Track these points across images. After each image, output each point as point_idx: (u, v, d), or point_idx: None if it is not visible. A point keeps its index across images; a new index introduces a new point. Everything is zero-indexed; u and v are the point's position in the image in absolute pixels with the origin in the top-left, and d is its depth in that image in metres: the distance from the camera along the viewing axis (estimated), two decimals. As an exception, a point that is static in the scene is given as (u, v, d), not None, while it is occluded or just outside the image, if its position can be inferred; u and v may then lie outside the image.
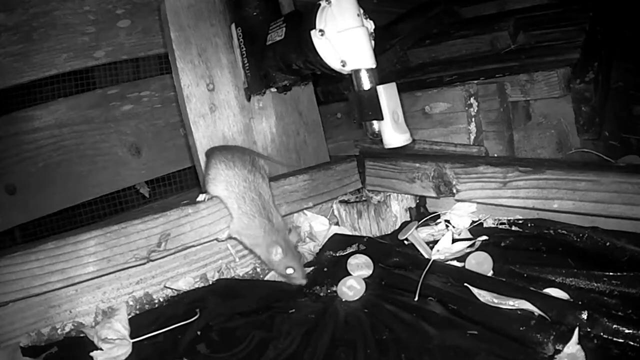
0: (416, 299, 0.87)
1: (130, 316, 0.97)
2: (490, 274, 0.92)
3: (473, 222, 1.09)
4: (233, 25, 1.21)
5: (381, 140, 0.94)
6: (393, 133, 0.92)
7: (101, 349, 0.86)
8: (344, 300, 0.95)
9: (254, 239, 1.03)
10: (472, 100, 1.34)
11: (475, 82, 1.36)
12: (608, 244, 0.87)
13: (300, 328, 0.86)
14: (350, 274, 1.00)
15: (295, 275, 0.98)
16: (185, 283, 1.08)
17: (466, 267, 0.94)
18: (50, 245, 0.97)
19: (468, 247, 1.00)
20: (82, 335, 0.95)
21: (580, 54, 1.38)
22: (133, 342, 0.88)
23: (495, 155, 1.34)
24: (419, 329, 0.79)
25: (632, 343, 0.68)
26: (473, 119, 1.34)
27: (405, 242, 1.08)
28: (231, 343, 0.85)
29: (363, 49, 0.91)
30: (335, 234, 1.17)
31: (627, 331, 0.69)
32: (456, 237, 1.05)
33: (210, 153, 1.15)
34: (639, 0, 1.57)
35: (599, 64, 1.33)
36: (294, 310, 0.94)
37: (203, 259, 1.12)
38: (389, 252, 1.05)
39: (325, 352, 0.78)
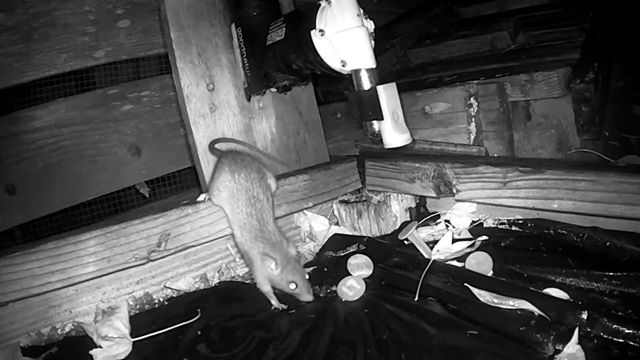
0: (416, 299, 0.87)
1: (130, 316, 0.97)
2: (490, 274, 0.92)
3: (473, 222, 1.09)
4: (233, 25, 1.21)
5: (381, 140, 0.94)
6: (393, 133, 0.92)
7: (100, 347, 0.86)
8: (344, 300, 0.95)
9: (252, 259, 1.00)
10: (472, 100, 1.34)
11: (475, 82, 1.36)
12: (608, 244, 0.87)
13: (300, 328, 0.86)
14: (350, 274, 1.00)
15: (298, 291, 0.94)
16: (185, 283, 1.08)
17: (466, 267, 0.94)
18: (50, 245, 0.97)
19: (468, 247, 0.99)
20: (82, 335, 0.95)
21: (580, 54, 1.38)
22: (133, 341, 0.88)
23: (495, 155, 1.34)
24: (419, 329, 0.79)
25: (632, 343, 0.68)
26: (473, 119, 1.34)
27: (405, 242, 1.08)
28: (231, 343, 0.85)
29: (363, 49, 0.91)
30: (335, 234, 1.17)
31: (627, 331, 0.69)
32: (456, 237, 1.05)
33: (220, 160, 1.11)
34: (639, 0, 1.56)
35: (599, 64, 1.33)
36: (294, 310, 0.94)
37: (203, 259, 1.12)
38: (389, 252, 1.05)
39: (325, 352, 0.78)
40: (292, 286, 0.94)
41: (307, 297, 0.94)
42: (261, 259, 0.96)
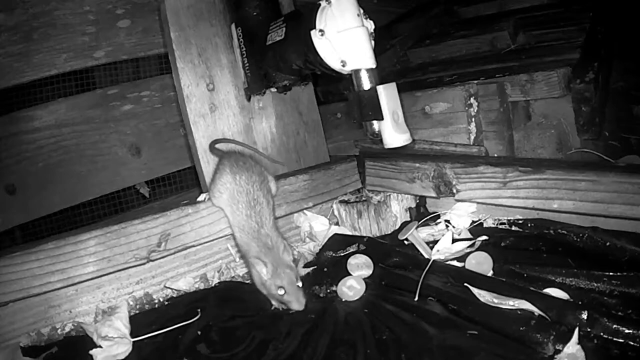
0: (416, 299, 0.87)
1: (130, 316, 0.97)
2: (490, 274, 0.92)
3: (473, 222, 1.09)
4: (233, 25, 1.21)
5: (381, 140, 0.94)
6: (393, 133, 0.92)
7: (100, 347, 0.86)
8: (344, 300, 0.95)
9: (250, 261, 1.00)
10: (472, 100, 1.34)
11: (475, 82, 1.36)
12: (608, 244, 0.87)
13: (300, 328, 0.86)
14: (350, 274, 1.00)
15: (286, 298, 0.91)
16: (185, 283, 1.08)
17: (466, 267, 0.94)
18: (50, 245, 0.97)
19: (468, 247, 0.99)
20: (82, 334, 0.95)
21: (580, 54, 1.38)
22: (133, 341, 0.88)
23: (495, 155, 1.34)
24: (419, 329, 0.79)
25: (632, 343, 0.68)
26: (473, 119, 1.34)
27: (405, 242, 1.08)
28: (231, 343, 0.85)
29: (363, 49, 0.91)
30: (335, 234, 1.17)
31: (627, 331, 0.69)
32: (456, 237, 1.05)
33: (221, 161, 1.10)
34: (639, 0, 1.56)
35: (599, 64, 1.33)
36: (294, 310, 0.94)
37: (203, 259, 1.12)
38: (389, 252, 1.05)
39: (325, 352, 0.78)
40: (281, 292, 0.91)
41: (296, 305, 0.91)
42: (254, 262, 0.96)
